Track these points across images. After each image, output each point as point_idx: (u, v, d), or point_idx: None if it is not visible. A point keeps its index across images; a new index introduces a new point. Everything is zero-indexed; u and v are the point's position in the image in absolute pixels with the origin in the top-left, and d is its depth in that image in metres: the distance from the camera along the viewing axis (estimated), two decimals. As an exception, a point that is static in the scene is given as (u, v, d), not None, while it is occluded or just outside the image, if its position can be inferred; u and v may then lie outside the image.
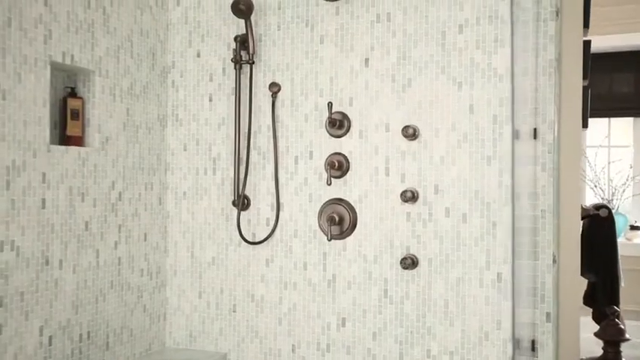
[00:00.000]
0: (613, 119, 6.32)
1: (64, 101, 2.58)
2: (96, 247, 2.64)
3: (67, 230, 2.48)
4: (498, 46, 2.55)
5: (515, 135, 2.50)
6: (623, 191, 5.99)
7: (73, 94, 2.61)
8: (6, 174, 2.21)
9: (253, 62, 2.90)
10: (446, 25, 2.64)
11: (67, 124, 2.56)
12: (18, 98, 2.24)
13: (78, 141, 2.61)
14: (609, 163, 6.16)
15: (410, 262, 2.64)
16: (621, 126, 6.34)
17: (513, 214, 2.50)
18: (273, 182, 2.93)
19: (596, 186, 6.06)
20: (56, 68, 2.50)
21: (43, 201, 2.37)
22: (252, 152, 2.96)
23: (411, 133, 2.64)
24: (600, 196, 6.00)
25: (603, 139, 6.23)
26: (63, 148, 2.46)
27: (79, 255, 2.54)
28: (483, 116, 2.57)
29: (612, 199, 6.01)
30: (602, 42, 5.52)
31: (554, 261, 2.48)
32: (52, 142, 2.48)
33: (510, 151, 2.50)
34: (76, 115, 2.59)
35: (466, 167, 2.59)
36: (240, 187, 2.94)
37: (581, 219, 2.79)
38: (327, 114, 2.82)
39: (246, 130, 2.95)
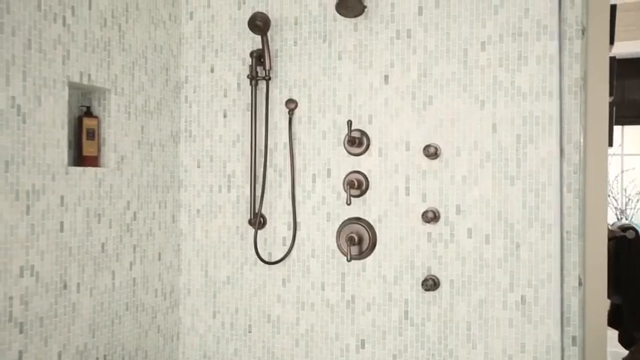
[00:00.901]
0: (626, 127, 6.37)
1: (80, 121, 2.61)
2: (112, 269, 2.67)
3: (84, 253, 2.52)
4: (522, 64, 2.59)
5: (539, 154, 2.55)
6: (638, 200, 6.05)
7: (88, 113, 2.64)
8: (26, 198, 2.24)
9: (269, 78, 2.94)
10: (468, 42, 2.68)
11: (83, 144, 2.60)
12: (37, 121, 2.27)
13: (93, 161, 2.64)
14: (622, 171, 6.21)
15: (432, 284, 2.68)
16: (634, 134, 6.39)
17: (562, 236, 2.54)
18: (290, 200, 2.97)
19: (609, 195, 6.12)
20: (73, 88, 2.53)
21: (62, 224, 2.40)
22: (269, 170, 3.00)
23: (432, 152, 2.68)
24: (614, 205, 6.05)
25: (617, 147, 6.28)
26: (80, 169, 2.50)
27: (96, 277, 2.58)
28: (507, 135, 2.61)
29: (626, 209, 6.06)
30: (614, 48, 5.56)
31: (580, 283, 2.52)
32: (69, 164, 2.51)
33: (559, 173, 2.54)
34: (92, 134, 2.62)
35: (489, 187, 2.63)
36: (257, 206, 2.98)
37: (607, 240, 2.83)
38: (345, 131, 2.86)
39: (263, 147, 2.99)
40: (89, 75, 2.53)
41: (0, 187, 2.13)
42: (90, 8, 2.53)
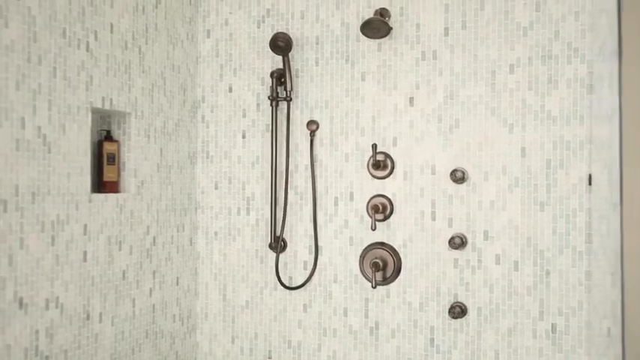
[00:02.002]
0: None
1: (100, 145, 2.65)
2: (132, 296, 2.71)
3: (106, 282, 2.55)
4: (552, 88, 2.63)
5: (569, 180, 2.59)
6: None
7: (108, 137, 2.68)
8: (51, 229, 2.28)
9: (290, 99, 2.98)
10: (496, 64, 2.72)
11: (104, 169, 2.63)
12: (62, 149, 2.31)
13: (114, 186, 2.68)
14: None
15: (459, 311, 2.72)
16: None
17: (623, 267, 2.57)
18: (312, 224, 3.01)
19: None
20: (95, 113, 2.57)
21: (85, 254, 2.44)
22: (289, 192, 3.03)
23: (459, 177, 2.72)
24: None
25: None
26: (102, 196, 2.53)
27: (117, 306, 2.61)
28: (536, 160, 2.65)
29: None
30: None
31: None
32: (92, 190, 2.54)
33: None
34: (112, 159, 2.66)
35: (518, 213, 2.67)
36: (279, 229, 3.01)
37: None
38: (368, 154, 2.89)
39: (283, 169, 3.03)
40: (111, 99, 2.57)
41: (27, 219, 2.17)
42: (112, 32, 2.56)
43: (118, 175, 2.68)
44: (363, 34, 2.78)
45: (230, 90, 3.15)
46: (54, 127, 2.26)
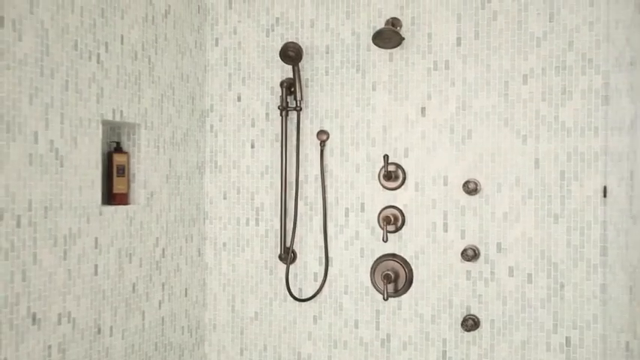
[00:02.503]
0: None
1: (110, 157, 2.66)
2: (142, 309, 2.72)
3: (117, 295, 2.57)
4: (566, 99, 2.65)
5: (584, 192, 2.61)
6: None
7: (118, 149, 2.69)
8: (63, 243, 2.29)
9: (300, 109, 2.99)
10: (509, 74, 2.74)
11: (114, 181, 2.64)
12: (74, 163, 2.32)
13: (123, 198, 2.69)
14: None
15: (472, 324, 2.73)
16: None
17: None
18: (322, 235, 3.02)
19: None
20: (105, 125, 2.59)
21: (96, 267, 2.45)
22: (299, 203, 3.05)
23: (472, 188, 2.74)
24: None
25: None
26: (112, 208, 2.55)
27: (127, 319, 2.63)
28: (550, 172, 2.67)
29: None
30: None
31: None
32: (102, 203, 2.56)
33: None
34: (122, 171, 2.67)
35: (531, 225, 2.69)
36: (289, 240, 3.03)
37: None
38: (380, 164, 2.91)
39: (293, 180, 3.04)
40: (121, 111, 2.58)
41: (40, 234, 2.18)
42: (122, 42, 2.58)
43: (128, 186, 2.70)
44: (375, 44, 2.79)
45: (239, 99, 3.17)
46: (66, 141, 2.27)
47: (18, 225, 2.09)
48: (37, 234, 2.17)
